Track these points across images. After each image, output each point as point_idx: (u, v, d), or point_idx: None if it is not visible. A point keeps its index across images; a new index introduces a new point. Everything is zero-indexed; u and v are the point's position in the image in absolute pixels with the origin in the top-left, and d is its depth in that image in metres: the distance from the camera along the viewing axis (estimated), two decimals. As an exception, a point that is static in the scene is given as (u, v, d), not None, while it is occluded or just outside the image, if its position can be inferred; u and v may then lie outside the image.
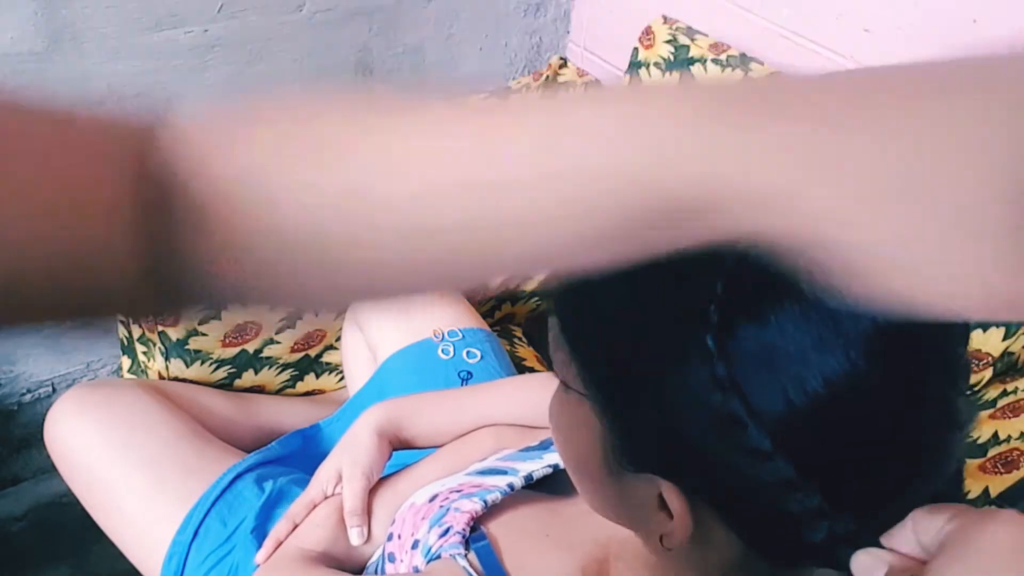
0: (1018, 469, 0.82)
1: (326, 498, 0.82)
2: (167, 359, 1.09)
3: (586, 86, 0.56)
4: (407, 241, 0.28)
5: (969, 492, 0.81)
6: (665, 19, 1.25)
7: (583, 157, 0.26)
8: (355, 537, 0.77)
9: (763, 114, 0.25)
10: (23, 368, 1.32)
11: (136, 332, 1.15)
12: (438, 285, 0.31)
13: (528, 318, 1.44)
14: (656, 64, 1.22)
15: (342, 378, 1.24)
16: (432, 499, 0.70)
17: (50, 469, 1.00)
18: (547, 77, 1.37)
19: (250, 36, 1.22)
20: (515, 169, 0.27)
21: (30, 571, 1.30)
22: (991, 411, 0.88)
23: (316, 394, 1.25)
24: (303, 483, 0.88)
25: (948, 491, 0.44)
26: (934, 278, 0.25)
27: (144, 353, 1.15)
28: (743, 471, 0.38)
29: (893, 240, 0.24)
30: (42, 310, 0.29)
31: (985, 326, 0.90)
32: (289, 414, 1.17)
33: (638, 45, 1.26)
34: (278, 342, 1.15)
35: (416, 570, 0.65)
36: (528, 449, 0.76)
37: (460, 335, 1.05)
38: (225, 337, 1.10)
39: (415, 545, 0.67)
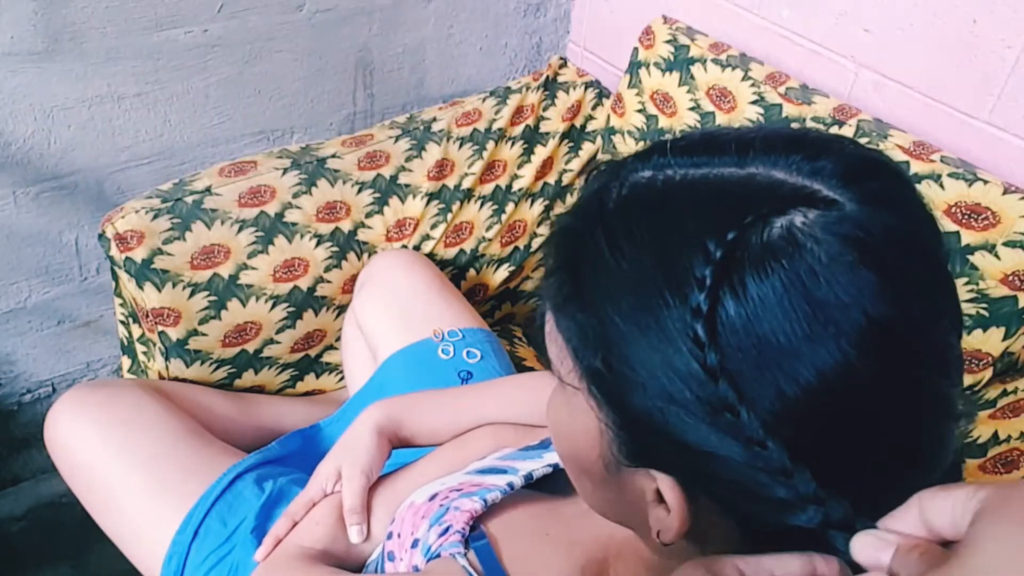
0: (1018, 469, 0.82)
1: (325, 496, 0.82)
2: (167, 359, 1.09)
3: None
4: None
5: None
6: (665, 19, 1.25)
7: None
8: (354, 535, 0.78)
9: None
10: (23, 368, 1.33)
11: (136, 332, 1.15)
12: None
13: (528, 318, 1.45)
14: (656, 64, 1.22)
15: (342, 378, 1.24)
16: (432, 498, 0.70)
17: (50, 469, 1.00)
18: (547, 77, 1.37)
19: (250, 36, 1.23)
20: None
21: (30, 571, 1.30)
22: (991, 411, 0.88)
23: (316, 394, 1.25)
24: (303, 483, 0.88)
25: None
26: None
27: (144, 353, 1.15)
28: (737, 460, 0.39)
29: None
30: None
31: (985, 326, 0.90)
32: (289, 414, 1.17)
33: (638, 45, 1.26)
34: (278, 342, 1.15)
35: (416, 569, 0.65)
36: (528, 448, 0.76)
37: (460, 335, 1.05)
38: (225, 337, 1.10)
39: (415, 544, 0.67)
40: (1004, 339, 0.89)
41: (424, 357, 1.03)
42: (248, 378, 1.16)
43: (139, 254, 1.04)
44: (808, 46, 1.15)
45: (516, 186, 1.31)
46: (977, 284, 0.90)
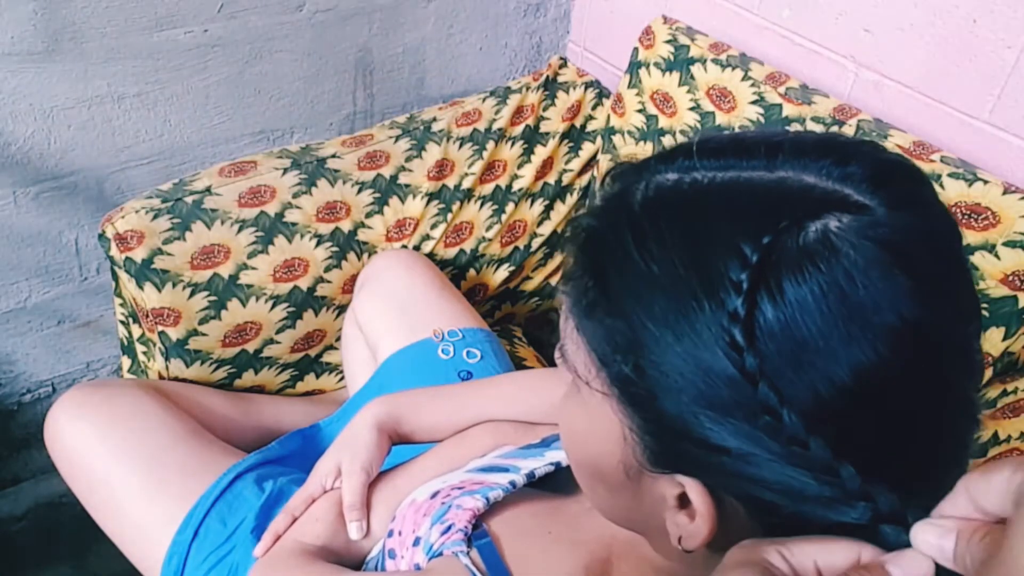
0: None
1: (325, 492, 0.82)
2: (167, 359, 1.09)
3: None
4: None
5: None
6: (665, 19, 1.25)
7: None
8: (354, 531, 0.77)
9: None
10: (23, 368, 1.32)
11: (136, 332, 1.15)
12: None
13: (528, 318, 1.45)
14: (656, 64, 1.22)
15: (342, 378, 1.24)
16: (433, 496, 0.70)
17: (50, 469, 1.00)
18: (547, 77, 1.37)
19: (250, 36, 1.23)
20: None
21: (30, 571, 1.29)
22: (991, 411, 0.88)
23: (316, 394, 1.25)
24: (303, 483, 0.88)
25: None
26: None
27: (144, 353, 1.15)
28: (778, 460, 0.39)
29: None
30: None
31: (985, 326, 0.90)
32: (289, 414, 1.17)
33: (638, 45, 1.26)
34: (278, 342, 1.15)
35: (417, 567, 0.65)
36: (530, 446, 0.76)
37: (460, 335, 1.05)
38: (225, 337, 1.10)
39: (416, 542, 0.67)
40: (1004, 339, 0.89)
41: (424, 357, 1.03)
42: (248, 378, 1.16)
43: (139, 254, 1.04)
44: (808, 46, 1.15)
45: (516, 186, 1.31)
46: (977, 284, 0.90)
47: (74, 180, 1.20)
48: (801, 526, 0.40)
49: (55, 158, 1.16)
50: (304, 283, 1.14)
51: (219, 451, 0.97)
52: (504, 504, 0.67)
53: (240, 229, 1.09)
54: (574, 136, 1.37)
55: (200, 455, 0.94)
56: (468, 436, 0.82)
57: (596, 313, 0.43)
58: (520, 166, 1.32)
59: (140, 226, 1.05)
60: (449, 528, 0.64)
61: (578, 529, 0.62)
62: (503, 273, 1.33)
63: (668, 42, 1.22)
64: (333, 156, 1.19)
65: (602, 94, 1.40)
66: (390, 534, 0.72)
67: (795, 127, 1.07)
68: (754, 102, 1.12)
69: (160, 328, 1.07)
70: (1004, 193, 0.90)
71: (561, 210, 1.37)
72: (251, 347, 1.13)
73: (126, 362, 1.22)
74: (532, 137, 1.33)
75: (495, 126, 1.30)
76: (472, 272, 1.30)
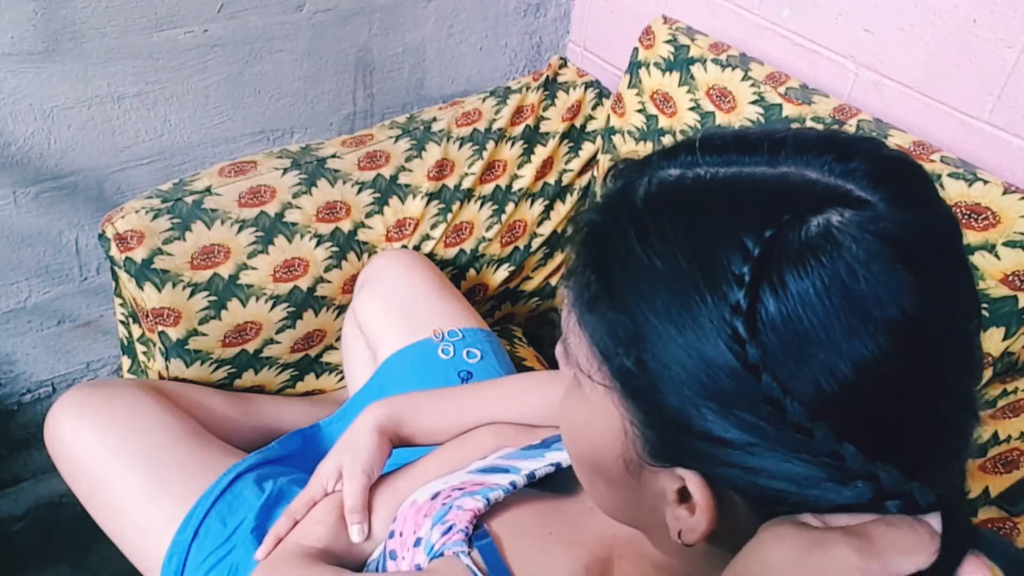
0: (1018, 469, 0.82)
1: (326, 495, 0.82)
2: (167, 359, 1.09)
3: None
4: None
5: (969, 492, 0.81)
6: (665, 19, 1.25)
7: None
8: (355, 534, 0.78)
9: None
10: (23, 368, 1.32)
11: (136, 332, 1.15)
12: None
13: (528, 318, 1.45)
14: (656, 64, 1.22)
15: (342, 378, 1.24)
16: (434, 497, 0.70)
17: (50, 469, 1.00)
18: (547, 77, 1.37)
19: (250, 36, 1.23)
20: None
21: (30, 571, 1.29)
22: (991, 411, 0.88)
23: (316, 394, 1.25)
24: (303, 483, 0.88)
25: (955, 486, 0.44)
26: None
27: (144, 353, 1.15)
28: (782, 449, 0.39)
29: None
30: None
31: (985, 326, 0.90)
32: (289, 414, 1.17)
33: (638, 45, 1.26)
34: (278, 342, 1.15)
35: (418, 567, 0.65)
36: (530, 447, 0.76)
37: (460, 335, 1.05)
38: (225, 337, 1.10)
39: (417, 543, 0.67)
40: (1004, 339, 0.90)
41: (424, 357, 1.03)
42: (248, 378, 1.16)
43: (139, 254, 1.04)
44: (808, 46, 1.15)
45: (516, 186, 1.31)
46: (977, 284, 0.90)
47: (74, 180, 1.20)
48: (804, 512, 0.41)
49: (55, 158, 1.16)
50: (304, 283, 1.14)
51: (219, 451, 0.97)
52: (505, 505, 0.67)
53: (240, 229, 1.09)
54: (574, 136, 1.37)
55: (200, 455, 0.94)
56: (469, 438, 0.82)
57: (598, 307, 0.44)
58: (520, 166, 1.32)
59: (140, 226, 1.05)
60: (450, 529, 0.64)
61: (579, 529, 0.63)
62: (503, 273, 1.33)
63: (668, 42, 1.22)
64: (333, 156, 1.19)
65: (602, 94, 1.40)
66: (391, 535, 0.72)
67: (796, 127, 1.07)
68: (754, 102, 1.12)
69: (160, 328, 1.07)
70: (1004, 193, 0.90)
71: (561, 210, 1.37)
72: (251, 347, 1.13)
73: (126, 362, 1.22)
74: (532, 137, 1.33)
75: (495, 126, 1.30)
76: (472, 272, 1.30)
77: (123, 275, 1.06)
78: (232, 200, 1.10)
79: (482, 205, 1.29)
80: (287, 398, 1.21)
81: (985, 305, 0.90)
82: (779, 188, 0.41)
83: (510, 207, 1.30)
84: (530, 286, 1.39)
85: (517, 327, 1.39)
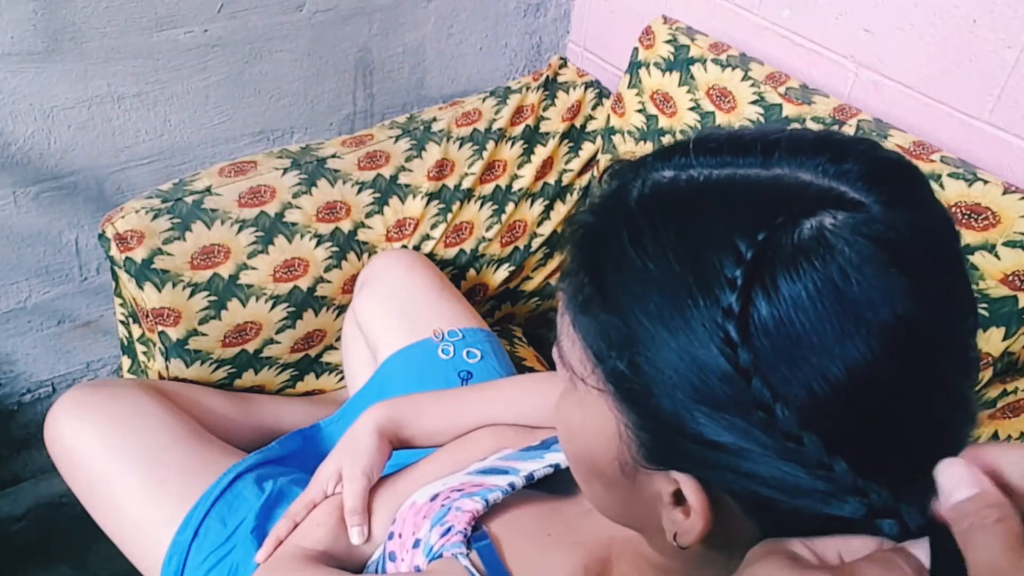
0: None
1: (326, 497, 0.82)
2: (167, 359, 1.09)
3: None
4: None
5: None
6: (665, 19, 1.25)
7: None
8: (355, 536, 0.78)
9: None
10: (23, 368, 1.33)
11: (136, 332, 1.15)
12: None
13: (528, 318, 1.45)
14: (656, 64, 1.22)
15: (342, 378, 1.24)
16: (433, 498, 0.70)
17: (50, 469, 1.00)
18: (547, 77, 1.37)
19: (250, 36, 1.23)
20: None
21: (30, 571, 1.30)
22: (991, 411, 0.88)
23: (316, 394, 1.25)
24: (303, 483, 0.88)
25: None
26: None
27: (144, 353, 1.15)
28: (773, 455, 0.39)
29: None
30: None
31: (985, 326, 0.90)
32: (289, 414, 1.17)
33: (638, 45, 1.26)
34: (278, 342, 1.15)
35: (417, 569, 0.65)
36: (529, 449, 0.76)
37: (460, 335, 1.05)
38: (225, 337, 1.10)
39: (416, 544, 0.67)
40: (1004, 339, 0.89)
41: (424, 357, 1.03)
42: (248, 378, 1.16)
43: (139, 254, 1.04)
44: (808, 46, 1.15)
45: (516, 186, 1.31)
46: (977, 284, 0.90)
47: (74, 180, 1.20)
48: (798, 521, 0.40)
49: (55, 158, 1.16)
50: (304, 283, 1.14)
51: (219, 451, 0.97)
52: (503, 506, 0.67)
53: (240, 229, 1.10)
54: (574, 136, 1.37)
55: (200, 455, 0.94)
56: (469, 439, 0.82)
57: (592, 309, 0.44)
58: (520, 166, 1.32)
59: (140, 226, 1.05)
60: (449, 530, 0.64)
61: (577, 530, 0.63)
62: (503, 273, 1.33)
63: (668, 42, 1.22)
64: (333, 156, 1.19)
65: (602, 94, 1.40)
66: (390, 536, 0.72)
67: (795, 127, 1.06)
68: (754, 102, 1.12)
69: (160, 328, 1.07)
70: (1004, 193, 0.90)
71: (561, 210, 1.37)
72: (251, 347, 1.13)
73: (126, 362, 1.22)
74: (532, 137, 1.33)
75: (495, 126, 1.30)
76: (472, 272, 1.30)
77: (123, 275, 1.06)
78: (232, 200, 1.10)
79: (482, 205, 1.29)
80: (287, 398, 1.21)
81: (985, 305, 0.90)
82: (772, 190, 0.41)
83: (510, 207, 1.30)
84: (530, 286, 1.39)
85: (517, 327, 1.39)
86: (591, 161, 1.38)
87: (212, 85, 1.23)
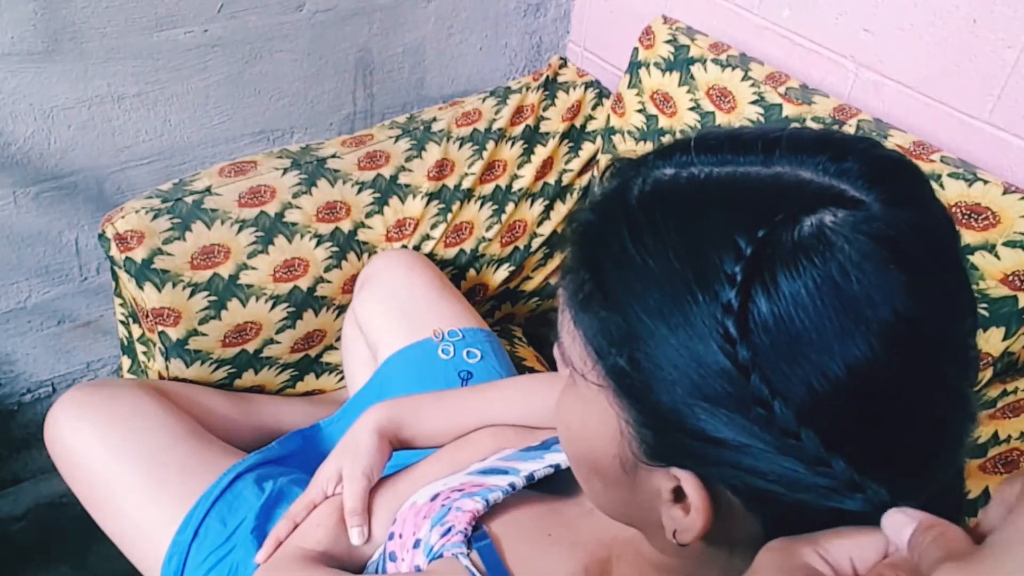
0: (1018, 469, 0.82)
1: (326, 498, 0.82)
2: (167, 359, 1.09)
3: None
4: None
5: (969, 492, 0.81)
6: (665, 19, 1.25)
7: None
8: (355, 537, 0.77)
9: None
10: (23, 368, 1.33)
11: (136, 332, 1.15)
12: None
13: (528, 318, 1.45)
14: (656, 64, 1.22)
15: (342, 378, 1.24)
16: (433, 498, 0.70)
17: (50, 469, 1.00)
18: (547, 77, 1.37)
19: (250, 36, 1.23)
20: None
21: (30, 571, 1.30)
22: (991, 411, 0.88)
23: (316, 394, 1.25)
24: (303, 483, 0.88)
25: (953, 486, 0.44)
26: None
27: (144, 353, 1.15)
28: (772, 451, 0.39)
29: None
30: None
31: (985, 326, 0.90)
32: (289, 414, 1.17)
33: (638, 45, 1.26)
34: (278, 342, 1.15)
35: (418, 569, 0.65)
36: (529, 449, 0.76)
37: (460, 335, 1.05)
38: (225, 337, 1.10)
39: (416, 544, 0.67)
40: (1004, 339, 0.89)
41: (424, 357, 1.03)
42: (248, 378, 1.16)
43: (139, 254, 1.04)
44: (808, 46, 1.15)
45: (516, 186, 1.31)
46: (977, 284, 0.90)
47: (74, 180, 1.20)
48: (801, 515, 0.40)
49: (55, 158, 1.16)
50: (304, 283, 1.14)
51: (219, 451, 0.97)
52: (504, 506, 0.67)
53: (240, 229, 1.10)
54: (574, 136, 1.37)
55: (200, 455, 0.94)
56: (470, 440, 0.82)
57: (592, 306, 0.44)
58: (520, 166, 1.32)
59: (140, 226, 1.05)
60: (449, 530, 0.64)
61: (577, 530, 0.63)
62: (503, 273, 1.33)
63: (668, 42, 1.22)
64: (333, 156, 1.19)
65: (602, 94, 1.40)
66: (391, 537, 0.72)
67: (795, 126, 1.06)
68: (754, 102, 1.12)
69: (160, 328, 1.07)
70: (1004, 193, 0.90)
71: (561, 210, 1.37)
72: (251, 347, 1.13)
73: (126, 362, 1.22)
74: (532, 137, 1.33)
75: (495, 126, 1.30)
76: (472, 272, 1.30)
77: (123, 275, 1.06)
78: (232, 200, 1.10)
79: (482, 205, 1.29)
80: (287, 398, 1.21)
81: (985, 305, 0.90)
82: (773, 188, 0.41)
83: (510, 207, 1.30)
84: (530, 286, 1.39)
85: (517, 327, 1.39)
86: (591, 161, 1.38)
87: (212, 85, 1.23)
